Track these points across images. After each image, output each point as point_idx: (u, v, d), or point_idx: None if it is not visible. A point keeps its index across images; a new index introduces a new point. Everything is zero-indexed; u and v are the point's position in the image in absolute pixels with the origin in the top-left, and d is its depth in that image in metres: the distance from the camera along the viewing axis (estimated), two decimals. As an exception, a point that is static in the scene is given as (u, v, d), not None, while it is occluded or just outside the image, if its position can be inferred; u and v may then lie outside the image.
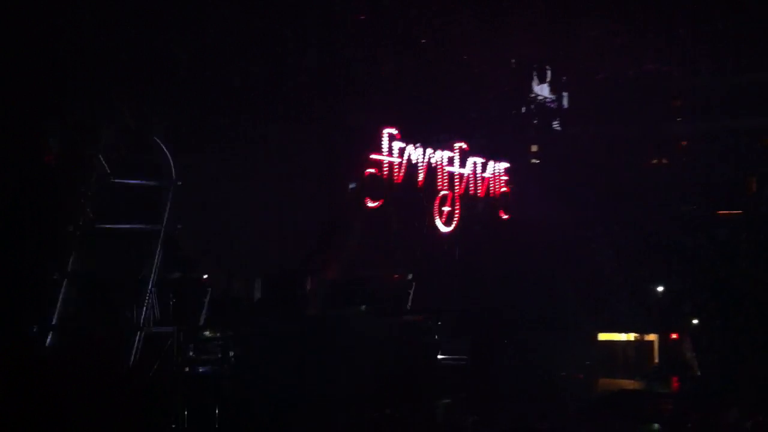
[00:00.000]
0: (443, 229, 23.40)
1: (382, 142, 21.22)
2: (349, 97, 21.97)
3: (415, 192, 23.16)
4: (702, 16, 21.40)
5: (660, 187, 29.18)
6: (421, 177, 22.41)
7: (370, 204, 21.28)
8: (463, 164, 23.79)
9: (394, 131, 21.56)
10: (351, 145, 21.77)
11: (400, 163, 21.69)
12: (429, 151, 22.59)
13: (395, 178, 21.58)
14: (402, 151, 21.71)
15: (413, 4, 21.57)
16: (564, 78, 27.96)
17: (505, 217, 25.40)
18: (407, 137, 21.87)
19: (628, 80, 26.27)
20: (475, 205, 25.91)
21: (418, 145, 22.14)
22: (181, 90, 18.87)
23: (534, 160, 29.34)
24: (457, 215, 23.60)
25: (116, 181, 18.74)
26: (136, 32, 17.19)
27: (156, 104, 18.57)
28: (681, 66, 24.78)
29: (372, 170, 21.20)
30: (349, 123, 21.95)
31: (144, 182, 19.30)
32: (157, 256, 19.12)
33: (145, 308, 18.86)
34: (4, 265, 16.48)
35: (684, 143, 30.90)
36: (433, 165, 22.73)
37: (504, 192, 25.35)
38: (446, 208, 23.33)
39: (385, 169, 21.34)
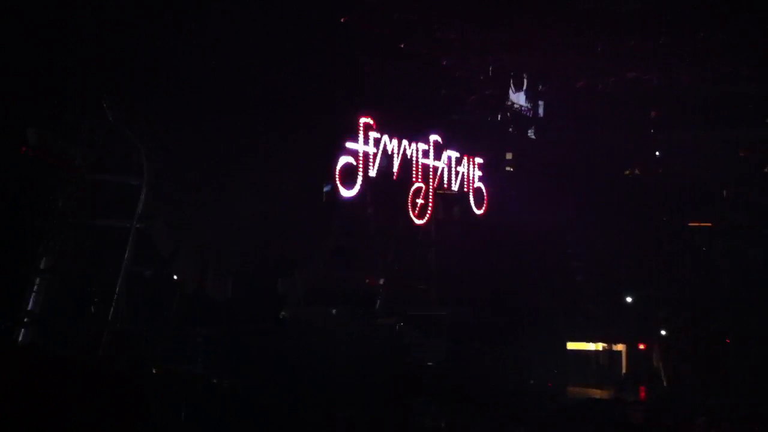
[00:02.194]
0: (416, 221, 23.42)
1: (359, 131, 21.26)
2: (328, 92, 21.86)
3: (392, 190, 23.21)
4: (684, 26, 21.66)
5: (636, 196, 29.43)
6: (396, 168, 22.42)
7: (346, 193, 21.20)
8: (438, 157, 23.88)
9: (369, 121, 21.58)
10: (327, 143, 21.65)
11: (375, 153, 21.71)
12: (404, 142, 22.62)
13: (371, 167, 21.58)
14: (377, 141, 21.75)
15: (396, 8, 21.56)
16: (541, 86, 28.16)
17: (479, 212, 25.45)
18: (383, 128, 21.89)
19: (607, 88, 26.49)
20: (450, 205, 26.03)
21: (393, 136, 22.17)
22: (158, 86, 18.69)
23: (508, 168, 29.46)
24: (430, 208, 23.65)
25: (90, 176, 18.53)
26: (117, 26, 17.01)
27: (133, 100, 18.39)
28: (660, 75, 25.01)
29: (348, 158, 21.16)
30: (328, 119, 21.84)
31: (118, 178, 19.11)
32: (127, 254, 18.92)
33: (114, 306, 18.65)
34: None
35: (657, 154, 31.17)
36: (408, 156, 22.79)
37: (478, 187, 25.43)
38: (420, 201, 23.36)
39: (360, 158, 21.33)
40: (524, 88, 28.22)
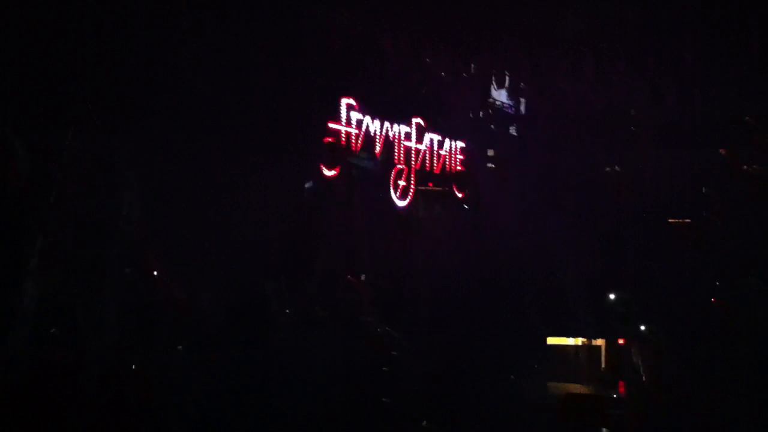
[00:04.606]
0: (399, 203, 23.64)
1: (341, 112, 21.36)
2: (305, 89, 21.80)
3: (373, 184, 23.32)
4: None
5: (616, 194, 29.67)
6: (378, 149, 22.57)
7: (327, 172, 21.31)
8: (420, 140, 24.06)
9: (352, 101, 21.70)
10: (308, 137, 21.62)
11: (358, 134, 21.84)
12: (387, 124, 22.77)
13: (353, 148, 21.76)
14: (360, 122, 21.88)
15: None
16: (522, 84, 28.31)
17: (461, 195, 25.68)
18: (365, 109, 22.01)
19: (587, 86, 26.68)
20: (432, 202, 26.17)
21: (375, 117, 22.32)
22: (135, 92, 18.44)
23: (489, 165, 29.63)
24: (412, 190, 23.87)
25: (76, 201, 18.31)
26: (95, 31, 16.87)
27: (115, 109, 18.14)
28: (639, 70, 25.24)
29: (330, 139, 21.27)
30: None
31: (108, 204, 18.85)
32: (111, 279, 18.71)
33: (100, 332, 18.52)
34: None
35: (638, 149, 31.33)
36: (390, 138, 22.95)
37: (460, 171, 25.64)
38: (402, 183, 23.55)
39: (342, 138, 21.47)
40: (506, 85, 28.40)
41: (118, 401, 16.65)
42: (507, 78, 27.94)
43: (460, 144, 25.53)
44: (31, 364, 16.54)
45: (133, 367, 17.65)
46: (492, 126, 28.26)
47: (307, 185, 25.34)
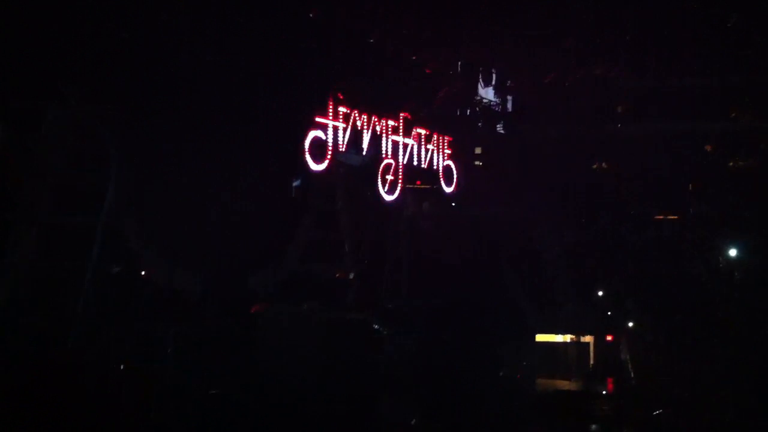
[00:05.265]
0: (386, 197, 23.53)
1: (328, 105, 21.26)
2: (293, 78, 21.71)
3: (361, 178, 23.18)
4: (651, 18, 21.87)
5: (603, 189, 29.73)
6: (365, 144, 22.47)
7: (315, 167, 21.17)
8: (407, 134, 24.00)
9: (339, 96, 21.58)
10: (294, 130, 21.52)
11: (345, 128, 21.75)
12: (374, 118, 22.68)
13: (340, 142, 21.61)
14: (347, 115, 21.77)
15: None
16: (509, 82, 28.31)
17: (449, 189, 25.60)
18: (352, 103, 21.89)
19: (575, 82, 26.71)
20: (422, 198, 26.05)
21: (363, 111, 22.20)
22: (127, 78, 18.46)
23: (477, 162, 29.64)
24: (400, 184, 23.78)
25: (55, 171, 18.34)
26: (83, 16, 16.79)
27: (102, 92, 18.18)
28: (626, 70, 25.26)
29: (317, 133, 21.14)
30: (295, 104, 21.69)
31: (84, 173, 18.92)
32: (95, 250, 18.76)
33: (81, 302, 18.49)
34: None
35: (626, 146, 31.45)
36: (377, 132, 22.86)
37: (447, 165, 25.59)
38: (390, 177, 23.47)
39: (329, 132, 21.34)
40: (493, 83, 28.37)
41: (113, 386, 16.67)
42: (494, 75, 27.92)
43: (448, 138, 25.49)
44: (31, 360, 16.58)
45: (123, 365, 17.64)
46: (479, 124, 28.23)
47: (294, 183, 25.32)
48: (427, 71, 25.26)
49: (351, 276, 25.70)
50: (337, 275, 25.61)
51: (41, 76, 17.12)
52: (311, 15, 21.60)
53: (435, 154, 25.02)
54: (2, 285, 17.63)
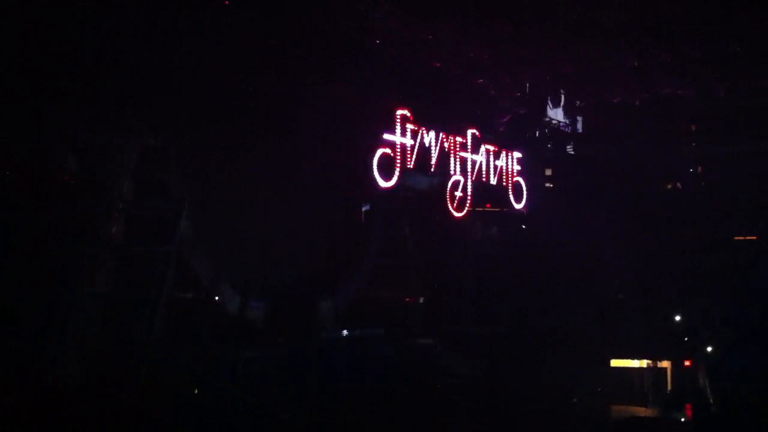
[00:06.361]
0: (455, 214, 23.43)
1: (396, 123, 21.30)
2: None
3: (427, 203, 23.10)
4: (714, 38, 21.28)
5: (677, 211, 29.02)
6: (434, 161, 22.46)
7: (383, 184, 21.19)
8: (475, 151, 23.90)
9: (407, 113, 21.61)
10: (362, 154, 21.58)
11: (413, 146, 21.76)
12: (441, 135, 22.65)
13: (408, 159, 21.64)
14: (414, 133, 21.79)
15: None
16: (578, 102, 27.94)
17: (519, 206, 25.34)
18: (420, 121, 21.90)
19: (643, 104, 26.21)
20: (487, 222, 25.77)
21: (431, 129, 22.21)
22: (197, 110, 18.87)
23: (548, 184, 29.28)
24: (469, 201, 23.67)
25: (131, 203, 18.83)
26: (153, 49, 17.24)
27: (170, 123, 18.62)
28: (696, 88, 24.65)
29: (385, 150, 21.20)
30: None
31: (159, 206, 19.36)
32: (168, 277, 19.17)
33: (153, 328, 18.89)
34: (21, 285, 16.58)
35: (700, 168, 30.67)
36: (446, 150, 22.81)
37: (517, 181, 25.37)
38: (458, 194, 23.38)
39: (398, 150, 21.37)
40: (562, 104, 28.06)
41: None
42: (563, 97, 27.56)
43: (517, 154, 25.27)
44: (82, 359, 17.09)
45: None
46: (549, 145, 27.91)
47: (364, 208, 25.46)
48: (493, 93, 25.12)
49: (420, 300, 25.63)
50: (407, 300, 25.57)
51: (111, 107, 17.66)
52: (377, 42, 21.69)
53: (504, 171, 24.84)
54: (80, 312, 18.15)
